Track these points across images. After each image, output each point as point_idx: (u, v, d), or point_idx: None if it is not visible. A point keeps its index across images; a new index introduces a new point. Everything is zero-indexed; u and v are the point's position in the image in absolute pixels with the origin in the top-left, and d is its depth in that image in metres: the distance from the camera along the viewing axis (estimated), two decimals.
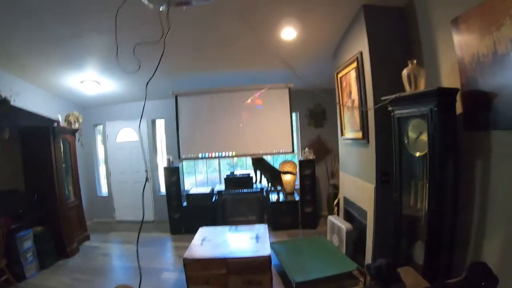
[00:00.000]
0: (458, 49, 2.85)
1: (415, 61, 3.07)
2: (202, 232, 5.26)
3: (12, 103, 5.09)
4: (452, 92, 2.76)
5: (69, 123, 6.64)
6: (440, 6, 3.17)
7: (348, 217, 5.06)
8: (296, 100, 6.88)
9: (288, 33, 4.63)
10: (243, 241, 4.77)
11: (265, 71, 6.24)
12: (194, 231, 5.39)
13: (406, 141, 3.17)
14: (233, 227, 5.39)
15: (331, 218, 5.25)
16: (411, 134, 3.10)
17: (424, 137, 2.87)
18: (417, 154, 3.03)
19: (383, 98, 3.28)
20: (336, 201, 5.79)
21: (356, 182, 4.58)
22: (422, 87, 3.01)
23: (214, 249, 4.57)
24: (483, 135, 2.64)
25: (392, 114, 3.28)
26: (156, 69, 2.02)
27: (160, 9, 1.81)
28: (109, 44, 4.44)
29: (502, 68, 2.35)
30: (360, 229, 4.53)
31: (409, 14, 3.78)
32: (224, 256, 4.29)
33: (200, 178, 8.64)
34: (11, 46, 4.65)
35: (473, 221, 2.82)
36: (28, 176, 6.00)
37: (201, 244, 4.76)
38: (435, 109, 2.64)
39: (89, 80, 6.16)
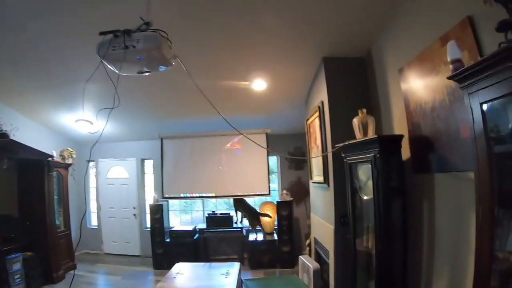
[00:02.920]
0: (404, 96, 3.01)
1: (364, 110, 3.22)
2: (178, 266, 5.26)
3: (11, 137, 5.31)
4: (394, 138, 2.88)
5: (63, 158, 6.96)
6: (392, 55, 3.36)
7: (318, 256, 5.06)
8: (276, 143, 7.02)
9: (259, 84, 4.90)
10: (214, 276, 4.77)
11: (244, 116, 6.43)
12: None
13: (357, 185, 3.26)
14: (207, 264, 5.42)
15: (301, 257, 5.27)
16: (362, 179, 3.19)
17: (371, 181, 2.95)
18: (365, 197, 3.11)
19: (335, 145, 3.41)
20: (308, 241, 5.80)
21: (321, 224, 4.64)
22: (370, 134, 3.13)
23: (185, 282, 4.59)
24: (428, 177, 2.72)
25: (345, 160, 3.39)
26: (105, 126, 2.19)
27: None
28: (100, 91, 4.68)
29: (440, 114, 2.45)
30: (328, 268, 4.50)
31: (368, 64, 3.98)
32: None
33: (195, 216, 8.61)
34: (16, 84, 5.00)
35: (423, 261, 2.87)
36: (22, 204, 6.20)
37: (174, 277, 4.77)
38: (378, 155, 2.73)
39: (82, 119, 6.39)
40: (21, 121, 6.14)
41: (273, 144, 7.04)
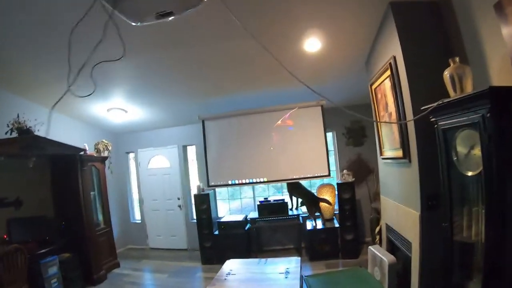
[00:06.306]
0: (507, 39, 2.29)
1: (457, 59, 2.51)
2: (229, 265, 4.82)
3: (36, 132, 5.04)
4: (508, 91, 2.14)
5: (98, 151, 6.75)
6: None
7: (391, 246, 4.43)
8: (331, 118, 6.31)
9: (312, 44, 4.26)
10: (271, 276, 4.25)
11: (294, 88, 5.74)
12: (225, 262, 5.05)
13: (455, 158, 2.57)
14: (263, 260, 4.90)
15: (372, 248, 4.60)
16: (461, 149, 2.50)
17: (477, 151, 2.26)
18: (469, 173, 2.42)
19: (423, 108, 2.71)
20: (377, 229, 5.15)
21: (399, 208, 3.96)
22: (469, 89, 2.44)
23: (238, 284, 4.12)
24: None
25: (435, 126, 2.70)
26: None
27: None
28: (132, 74, 4.35)
29: None
30: (405, 262, 3.86)
31: (445, 7, 3.26)
32: None
33: (244, 202, 8.20)
34: (36, 76, 4.76)
35: None
36: (57, 203, 6.13)
37: (225, 278, 4.31)
38: (488, 115, 2.03)
39: (115, 108, 6.18)
40: (51, 116, 5.85)
41: (327, 119, 6.32)
